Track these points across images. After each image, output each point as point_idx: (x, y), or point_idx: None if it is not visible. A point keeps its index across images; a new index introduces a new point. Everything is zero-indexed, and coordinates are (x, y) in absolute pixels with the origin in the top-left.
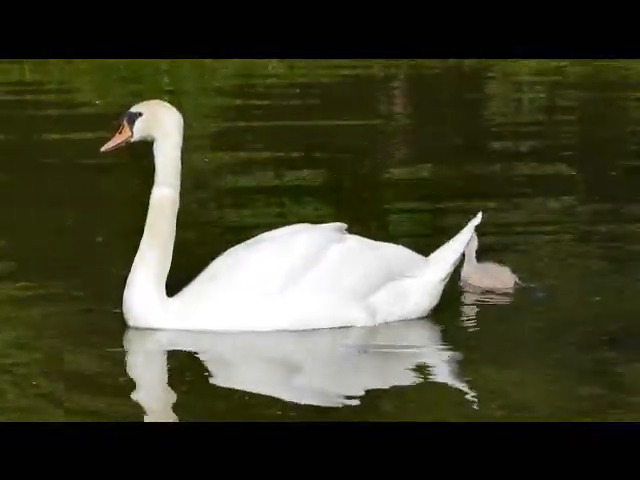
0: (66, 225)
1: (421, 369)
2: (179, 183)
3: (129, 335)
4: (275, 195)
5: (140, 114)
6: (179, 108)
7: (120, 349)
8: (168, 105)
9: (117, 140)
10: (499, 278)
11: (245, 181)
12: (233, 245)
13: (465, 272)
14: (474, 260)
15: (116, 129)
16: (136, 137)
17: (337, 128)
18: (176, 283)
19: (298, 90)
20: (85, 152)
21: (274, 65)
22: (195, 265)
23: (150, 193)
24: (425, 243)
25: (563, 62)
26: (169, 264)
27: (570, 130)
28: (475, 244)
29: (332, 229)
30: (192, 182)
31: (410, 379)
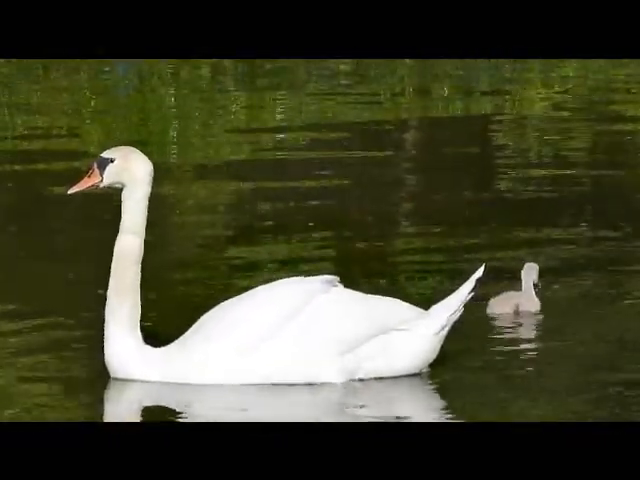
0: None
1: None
2: (144, 231)
3: (111, 385)
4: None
5: (112, 160)
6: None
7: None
8: (140, 154)
9: (86, 184)
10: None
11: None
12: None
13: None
14: (530, 291)
15: (86, 172)
16: (105, 183)
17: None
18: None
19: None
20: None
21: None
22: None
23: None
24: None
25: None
26: (139, 311)
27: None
28: (534, 275)
29: (322, 281)
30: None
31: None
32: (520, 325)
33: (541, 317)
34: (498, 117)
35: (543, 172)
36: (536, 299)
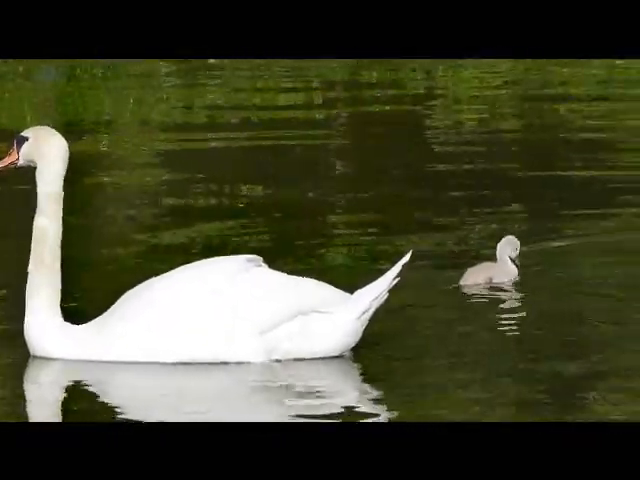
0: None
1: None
2: (60, 211)
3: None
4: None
5: (27, 138)
6: None
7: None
8: (54, 132)
9: (3, 163)
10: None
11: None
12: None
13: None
14: (505, 262)
15: (6, 151)
16: (21, 162)
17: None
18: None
19: None
20: None
21: None
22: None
23: None
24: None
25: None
26: (59, 290)
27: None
28: (510, 248)
29: (243, 260)
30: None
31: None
32: (468, 306)
33: (503, 295)
34: (431, 102)
35: (475, 154)
36: (512, 269)
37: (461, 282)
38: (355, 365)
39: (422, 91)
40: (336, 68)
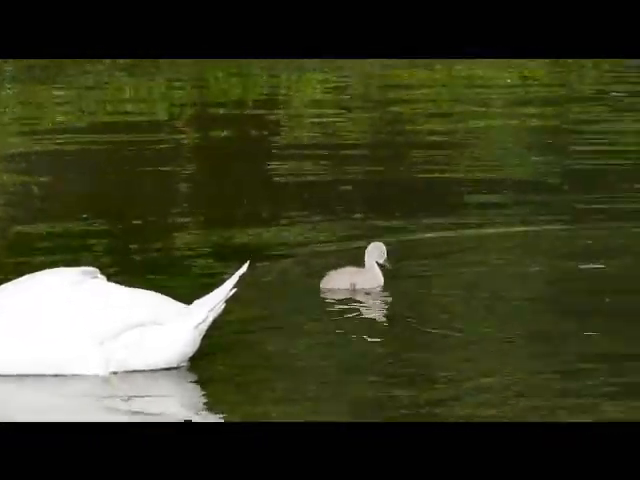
0: None
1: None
2: None
3: None
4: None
5: None
6: None
7: None
8: None
9: None
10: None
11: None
12: None
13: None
14: (373, 268)
15: None
16: None
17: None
18: None
19: None
20: None
21: None
22: None
23: None
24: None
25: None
26: None
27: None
28: (377, 254)
29: (80, 273)
30: None
31: None
32: (324, 312)
33: (364, 302)
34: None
35: (321, 160)
36: (378, 276)
37: (321, 285)
38: (192, 375)
39: (265, 94)
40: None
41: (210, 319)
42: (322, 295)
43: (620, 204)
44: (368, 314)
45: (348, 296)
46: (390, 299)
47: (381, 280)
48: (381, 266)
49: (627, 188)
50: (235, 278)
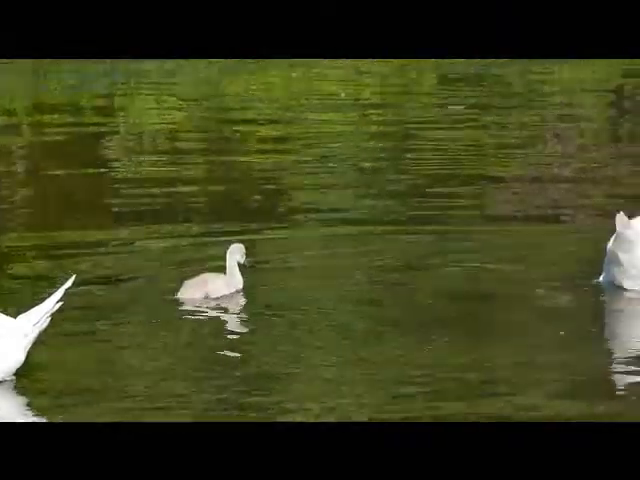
0: None
1: None
2: None
3: None
4: None
5: None
6: None
7: None
8: None
9: None
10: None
11: None
12: None
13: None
14: (234, 270)
15: None
16: None
17: None
18: None
19: None
20: None
21: None
22: None
23: None
24: None
25: None
26: None
27: None
28: (238, 255)
29: None
30: None
31: None
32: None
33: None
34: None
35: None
36: (237, 280)
37: (178, 295)
38: (18, 389)
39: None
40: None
41: (35, 334)
42: (177, 305)
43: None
44: (222, 319)
45: (203, 304)
46: (246, 302)
47: (240, 283)
48: (243, 266)
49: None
50: (60, 292)
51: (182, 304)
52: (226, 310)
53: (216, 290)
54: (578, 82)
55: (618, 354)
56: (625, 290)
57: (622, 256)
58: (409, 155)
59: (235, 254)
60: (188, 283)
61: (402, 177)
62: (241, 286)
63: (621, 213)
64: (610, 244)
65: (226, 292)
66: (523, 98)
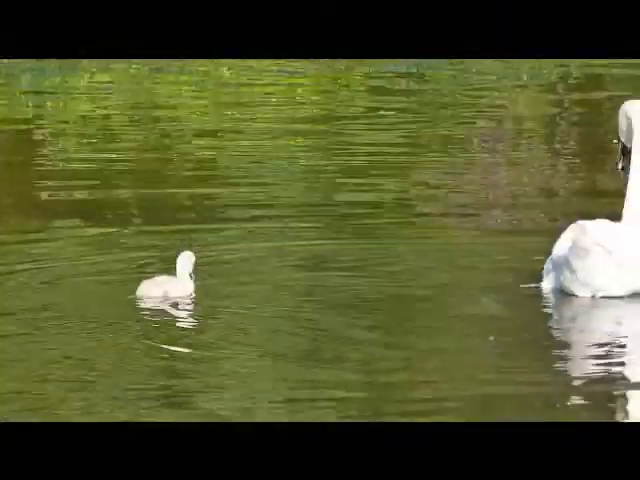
0: None
1: None
2: None
3: None
4: None
5: None
6: None
7: None
8: None
9: None
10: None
11: None
12: None
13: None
14: (184, 277)
15: None
16: None
17: None
18: None
19: None
20: None
21: None
22: None
23: None
24: None
25: None
26: None
27: None
28: (189, 263)
29: None
30: None
31: None
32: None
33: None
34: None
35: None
36: (189, 285)
37: (137, 293)
38: None
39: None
40: None
41: None
42: (135, 303)
43: None
44: (177, 321)
45: (161, 304)
46: (199, 307)
47: (191, 289)
48: (190, 276)
49: None
50: None
51: (140, 301)
52: (180, 312)
53: (174, 291)
54: (513, 79)
55: (578, 363)
56: (575, 297)
57: (576, 263)
58: (339, 154)
59: (184, 262)
60: (147, 282)
61: (331, 175)
62: (192, 292)
63: (578, 222)
64: (556, 250)
65: (182, 294)
66: (454, 98)
